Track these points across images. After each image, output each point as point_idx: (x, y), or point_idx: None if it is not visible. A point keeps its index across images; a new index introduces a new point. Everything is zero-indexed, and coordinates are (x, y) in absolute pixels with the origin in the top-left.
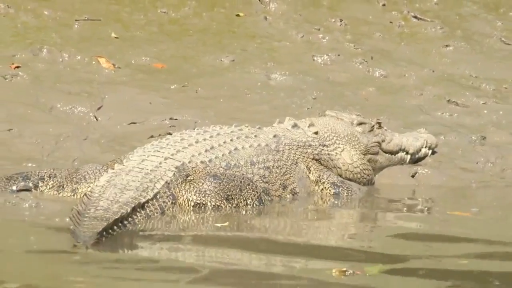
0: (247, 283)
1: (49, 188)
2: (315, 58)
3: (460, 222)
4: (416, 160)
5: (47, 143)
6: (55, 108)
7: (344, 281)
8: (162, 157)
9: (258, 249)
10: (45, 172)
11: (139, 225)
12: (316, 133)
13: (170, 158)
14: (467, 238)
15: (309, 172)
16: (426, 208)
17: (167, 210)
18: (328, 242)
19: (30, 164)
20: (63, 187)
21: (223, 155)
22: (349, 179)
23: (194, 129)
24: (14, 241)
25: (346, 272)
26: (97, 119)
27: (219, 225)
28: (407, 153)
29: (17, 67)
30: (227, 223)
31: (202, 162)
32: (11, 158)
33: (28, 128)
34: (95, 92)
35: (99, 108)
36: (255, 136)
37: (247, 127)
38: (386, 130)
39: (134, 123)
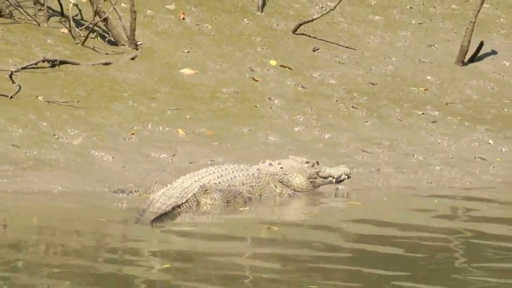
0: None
1: (134, 196)
2: (294, 128)
3: (351, 207)
4: (338, 181)
5: (143, 173)
6: (150, 155)
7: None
8: (193, 180)
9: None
10: (133, 188)
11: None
12: (281, 168)
13: (197, 181)
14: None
15: (276, 188)
16: (337, 200)
17: (193, 208)
18: (269, 215)
19: (131, 184)
20: (141, 195)
21: (226, 180)
22: (298, 191)
23: (214, 166)
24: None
25: (273, 228)
26: (172, 161)
27: (241, 208)
28: (333, 178)
29: (132, 133)
30: (248, 208)
31: (215, 183)
32: (121, 181)
33: (133, 165)
34: (173, 146)
35: (174, 155)
36: (246, 170)
37: (243, 165)
38: (321, 165)
39: (191, 162)
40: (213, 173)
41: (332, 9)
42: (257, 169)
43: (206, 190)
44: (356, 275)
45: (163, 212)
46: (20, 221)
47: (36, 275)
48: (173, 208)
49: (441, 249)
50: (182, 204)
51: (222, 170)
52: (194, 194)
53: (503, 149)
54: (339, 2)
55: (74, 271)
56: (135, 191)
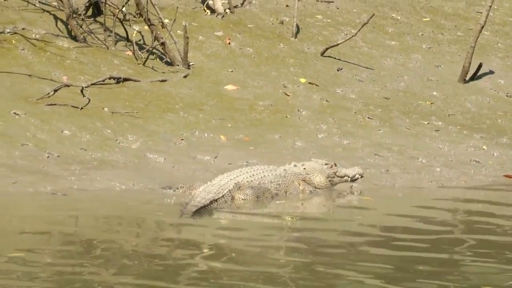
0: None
1: (180, 192)
2: (318, 135)
3: (363, 201)
4: (353, 180)
5: (189, 173)
6: (196, 157)
7: (293, 222)
8: (230, 179)
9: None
10: (179, 185)
11: (215, 209)
12: (304, 168)
13: (233, 179)
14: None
15: (299, 186)
16: (351, 196)
17: (228, 202)
18: (293, 208)
19: (180, 183)
20: (185, 191)
21: (257, 178)
22: (318, 189)
23: (248, 167)
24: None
25: (295, 219)
26: (214, 162)
27: (278, 201)
28: (348, 177)
29: (182, 139)
30: (284, 200)
31: (247, 181)
32: (171, 179)
33: (182, 166)
34: (215, 150)
35: (216, 157)
36: (275, 170)
37: (272, 166)
38: (338, 166)
39: (230, 163)
40: (246, 172)
41: (353, 35)
42: (284, 170)
43: (239, 187)
44: (372, 255)
45: (202, 205)
46: (88, 214)
47: (106, 260)
48: (211, 202)
49: (443, 230)
50: (219, 198)
51: (253, 170)
52: (229, 190)
53: (495, 154)
54: (360, 29)
55: (140, 258)
56: (181, 188)
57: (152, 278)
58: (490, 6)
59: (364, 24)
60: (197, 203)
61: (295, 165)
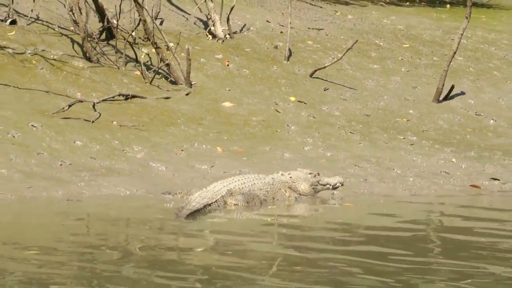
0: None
1: (178, 197)
2: (304, 148)
3: (344, 207)
4: (334, 188)
5: (188, 180)
6: (194, 166)
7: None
8: (223, 185)
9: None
10: (177, 191)
11: (208, 213)
12: (291, 177)
13: (225, 186)
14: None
15: (286, 192)
16: (333, 202)
17: (221, 207)
18: (278, 212)
19: (179, 189)
20: (183, 197)
21: (247, 186)
22: (303, 195)
23: (240, 175)
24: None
25: (276, 219)
26: (210, 171)
27: (269, 207)
28: (330, 185)
29: (182, 150)
30: (275, 206)
31: (238, 188)
32: (171, 186)
33: (181, 174)
34: (212, 160)
35: (212, 166)
36: (264, 178)
37: (261, 174)
38: (321, 175)
39: (225, 172)
40: (238, 180)
41: (339, 59)
42: (272, 178)
43: (231, 193)
44: (351, 253)
45: (196, 209)
46: (96, 217)
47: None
48: (205, 206)
49: (415, 230)
50: (212, 203)
51: (245, 178)
52: (222, 196)
53: (463, 166)
54: (345, 53)
55: (146, 255)
56: (179, 193)
57: (154, 269)
58: (462, 34)
59: (349, 49)
60: (192, 207)
61: (282, 174)
